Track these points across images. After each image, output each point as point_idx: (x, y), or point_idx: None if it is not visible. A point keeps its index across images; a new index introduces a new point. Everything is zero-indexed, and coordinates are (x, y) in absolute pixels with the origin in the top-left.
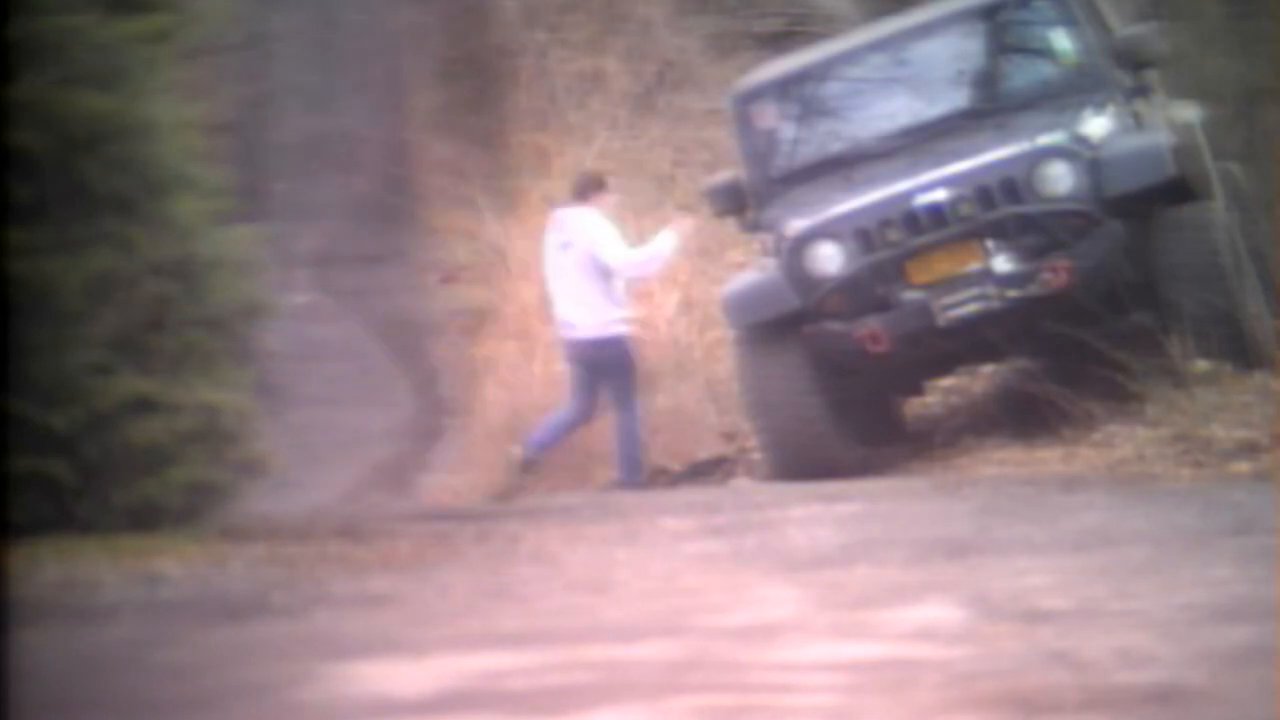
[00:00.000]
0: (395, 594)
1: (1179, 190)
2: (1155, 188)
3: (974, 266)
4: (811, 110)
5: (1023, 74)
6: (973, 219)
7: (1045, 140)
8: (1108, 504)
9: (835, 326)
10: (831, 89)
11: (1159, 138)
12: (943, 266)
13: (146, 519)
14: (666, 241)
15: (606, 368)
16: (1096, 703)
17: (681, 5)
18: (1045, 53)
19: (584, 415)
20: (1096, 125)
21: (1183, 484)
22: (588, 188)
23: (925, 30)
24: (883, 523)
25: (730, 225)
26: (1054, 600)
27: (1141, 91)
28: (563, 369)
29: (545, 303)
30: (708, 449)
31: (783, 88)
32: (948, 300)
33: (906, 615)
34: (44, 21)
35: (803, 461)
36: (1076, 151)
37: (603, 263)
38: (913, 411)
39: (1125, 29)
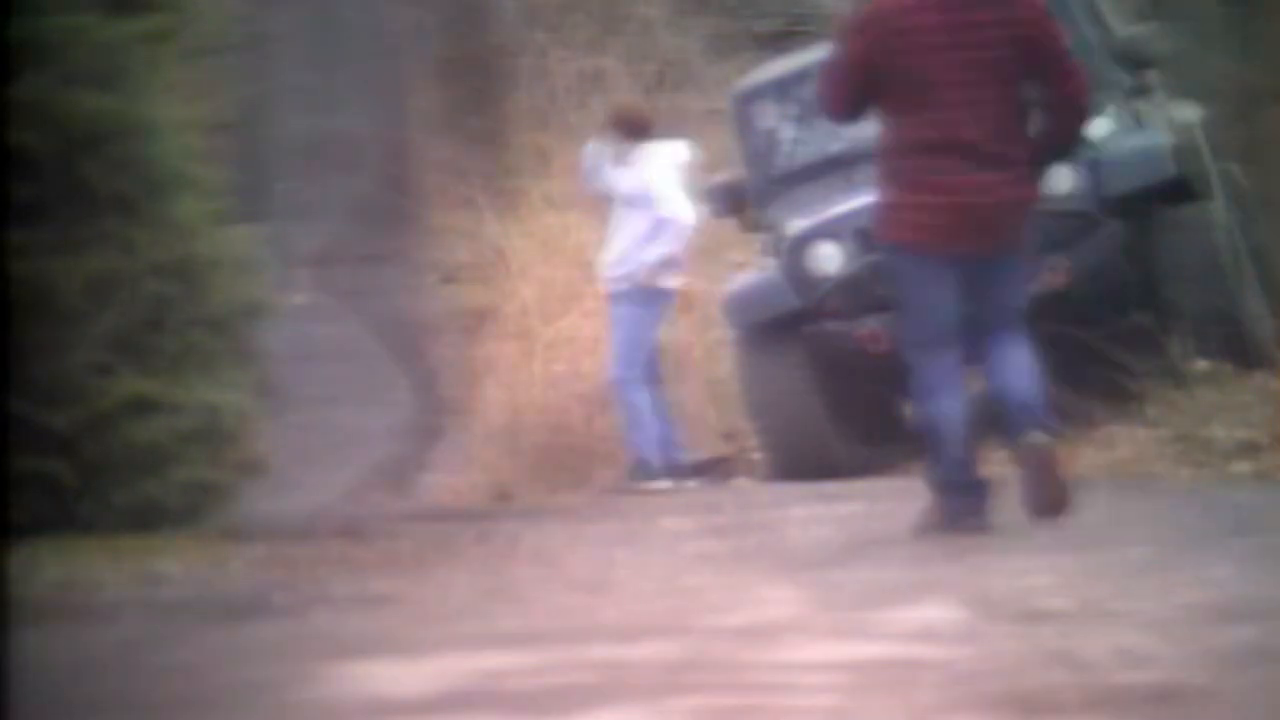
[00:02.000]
0: (395, 594)
1: (1179, 190)
2: (1155, 188)
3: None
4: (811, 110)
5: None
6: None
7: None
8: (1108, 504)
9: (835, 326)
10: None
11: (1159, 138)
12: None
13: (146, 519)
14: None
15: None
16: (1096, 703)
17: (681, 5)
18: None
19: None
20: (1096, 125)
21: (1183, 484)
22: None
23: None
24: (883, 523)
25: (730, 225)
26: (1054, 600)
27: (1141, 91)
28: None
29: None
30: (708, 449)
31: (783, 88)
32: None
33: (906, 615)
34: (45, 21)
35: (803, 461)
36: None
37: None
38: (913, 411)
39: (1125, 29)
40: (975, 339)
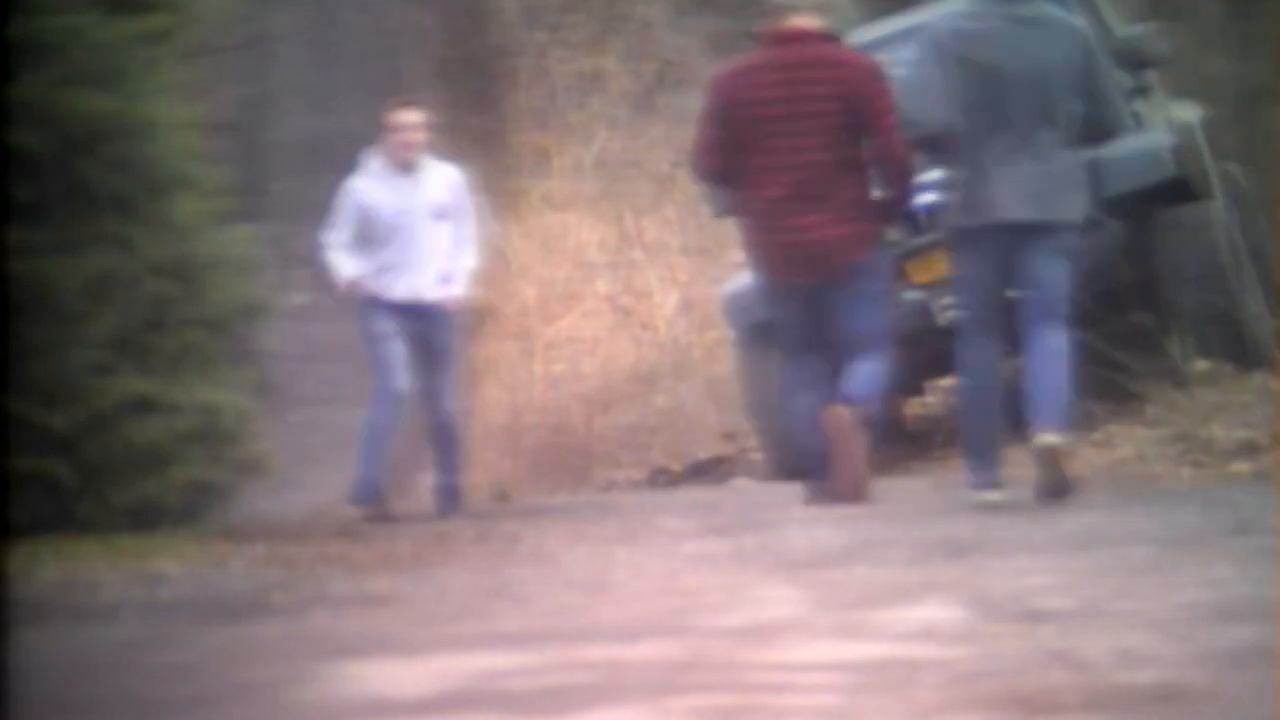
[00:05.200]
0: (395, 594)
1: (1179, 190)
2: (1155, 188)
3: None
4: None
5: None
6: None
7: None
8: (1108, 504)
9: None
10: None
11: (1159, 138)
12: (942, 266)
13: (146, 519)
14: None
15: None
16: (1096, 703)
17: (681, 5)
18: None
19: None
20: None
21: (1183, 484)
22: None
23: (925, 30)
24: (883, 523)
25: (730, 225)
26: (1054, 600)
27: (1141, 91)
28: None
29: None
30: (708, 449)
31: None
32: (948, 300)
33: (906, 615)
34: (44, 21)
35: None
36: None
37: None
38: (913, 411)
39: (1125, 29)
40: (836, 353)
